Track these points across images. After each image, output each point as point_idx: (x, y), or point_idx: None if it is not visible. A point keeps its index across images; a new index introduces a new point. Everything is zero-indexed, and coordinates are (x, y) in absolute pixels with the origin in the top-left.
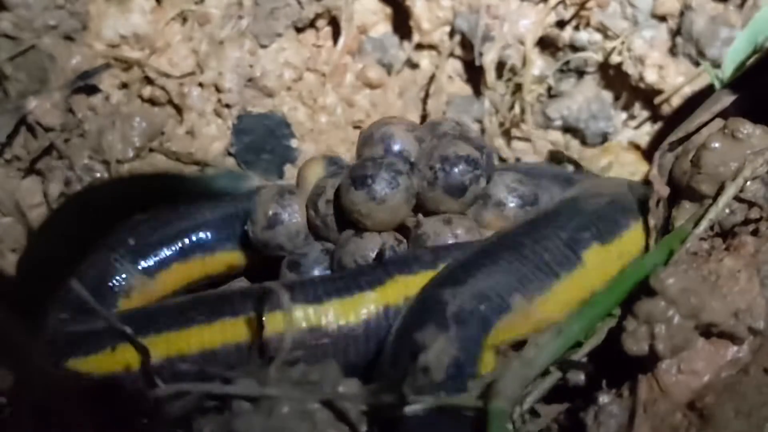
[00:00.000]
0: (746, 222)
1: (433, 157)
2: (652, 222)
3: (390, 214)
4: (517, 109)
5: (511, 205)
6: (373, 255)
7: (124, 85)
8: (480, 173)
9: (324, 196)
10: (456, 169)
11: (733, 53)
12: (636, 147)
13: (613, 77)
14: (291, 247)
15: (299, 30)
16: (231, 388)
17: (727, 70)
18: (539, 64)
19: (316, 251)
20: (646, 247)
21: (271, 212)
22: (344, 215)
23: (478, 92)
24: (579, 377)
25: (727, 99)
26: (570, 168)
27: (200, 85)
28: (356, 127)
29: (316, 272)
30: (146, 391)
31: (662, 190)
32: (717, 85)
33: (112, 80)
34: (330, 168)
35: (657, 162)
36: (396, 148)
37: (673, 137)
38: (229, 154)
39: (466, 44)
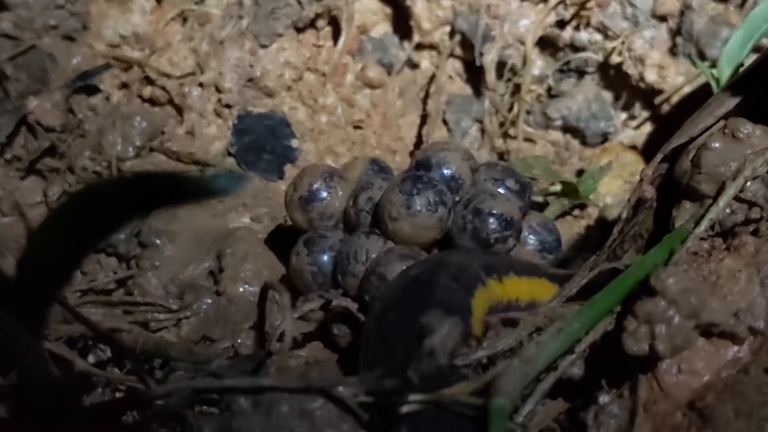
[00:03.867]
0: (746, 222)
1: (468, 207)
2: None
3: (413, 230)
4: (516, 109)
5: (529, 247)
6: (364, 257)
7: (124, 85)
8: (510, 234)
9: (367, 192)
10: (486, 226)
11: (728, 52)
12: (636, 147)
13: (613, 77)
14: (319, 226)
15: (299, 30)
16: (227, 382)
17: (724, 69)
18: (539, 64)
19: (335, 239)
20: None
21: (315, 187)
22: (377, 212)
23: (478, 92)
24: (574, 371)
25: (730, 102)
26: None
27: (200, 85)
28: (356, 127)
29: (325, 258)
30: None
31: (648, 191)
32: (714, 85)
33: (112, 80)
34: (370, 168)
35: (657, 162)
36: (450, 174)
37: (676, 141)
38: (229, 154)
39: (466, 44)
